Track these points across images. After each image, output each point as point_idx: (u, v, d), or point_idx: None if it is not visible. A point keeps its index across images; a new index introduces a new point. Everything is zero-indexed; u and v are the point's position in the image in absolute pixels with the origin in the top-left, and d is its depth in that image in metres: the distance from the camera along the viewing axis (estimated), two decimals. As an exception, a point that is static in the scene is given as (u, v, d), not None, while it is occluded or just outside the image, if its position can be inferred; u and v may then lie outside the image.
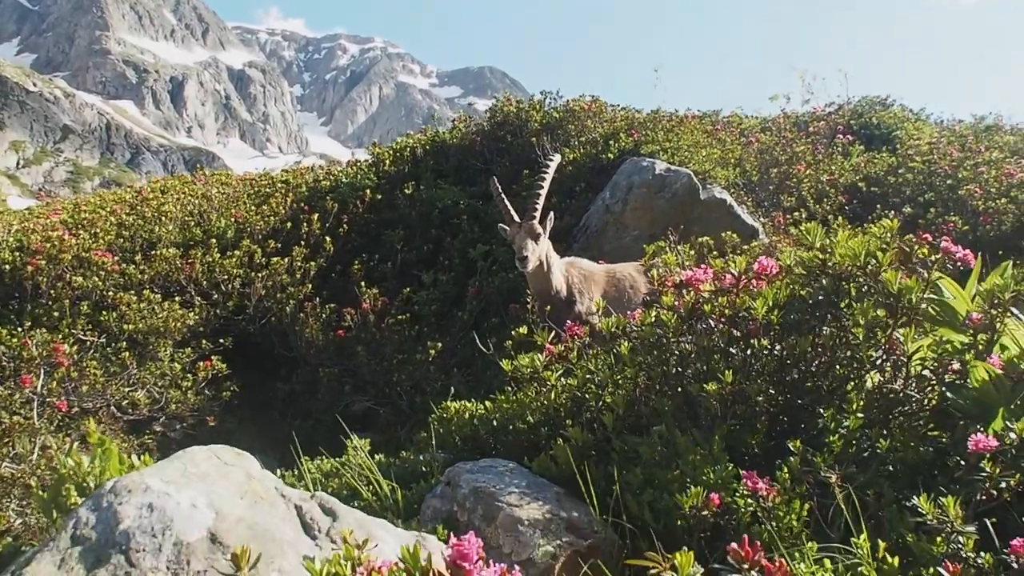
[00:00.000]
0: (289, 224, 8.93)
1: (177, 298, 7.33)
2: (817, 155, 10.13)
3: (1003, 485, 2.39)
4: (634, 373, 2.84)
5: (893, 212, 8.11)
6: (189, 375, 6.66)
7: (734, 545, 1.56)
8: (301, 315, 7.60)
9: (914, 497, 2.33)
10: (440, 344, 7.25)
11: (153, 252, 7.82)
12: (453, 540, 1.34)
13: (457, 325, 7.89)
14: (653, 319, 2.86)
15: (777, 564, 1.51)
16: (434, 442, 3.32)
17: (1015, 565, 2.11)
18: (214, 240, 8.21)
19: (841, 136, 11.10)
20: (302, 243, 8.47)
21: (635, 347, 2.95)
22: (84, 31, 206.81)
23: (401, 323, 7.51)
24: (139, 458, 2.22)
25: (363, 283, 8.00)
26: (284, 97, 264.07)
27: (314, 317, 7.57)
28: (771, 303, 2.67)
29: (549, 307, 5.73)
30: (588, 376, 2.97)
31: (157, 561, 1.55)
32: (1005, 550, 2.15)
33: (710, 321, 2.80)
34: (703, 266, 2.99)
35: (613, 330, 3.01)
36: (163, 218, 8.67)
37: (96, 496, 1.66)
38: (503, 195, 5.82)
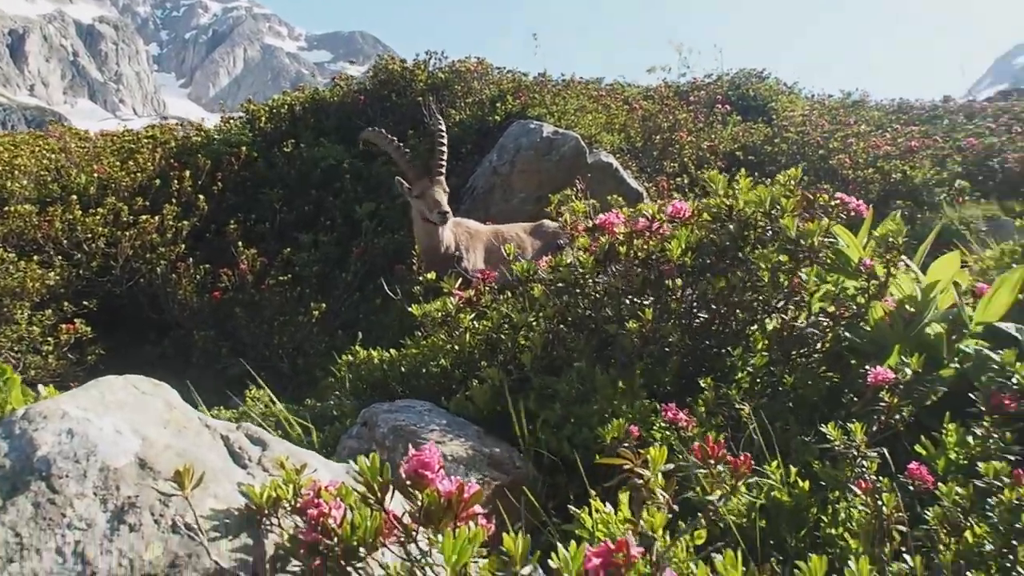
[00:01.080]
0: (158, 181, 8.40)
1: (35, 257, 6.78)
2: (698, 123, 10.47)
3: (897, 417, 2.53)
4: (550, 314, 2.83)
5: (769, 180, 8.49)
6: (50, 339, 6.20)
7: (699, 444, 1.57)
8: (173, 276, 7.21)
9: (820, 426, 2.44)
10: (324, 305, 7.06)
11: (6, 209, 7.19)
12: (412, 451, 1.28)
13: (340, 287, 7.70)
14: (568, 261, 2.86)
15: (743, 458, 1.53)
16: (347, 387, 3.20)
17: (911, 487, 2.24)
18: (75, 197, 7.63)
19: (720, 106, 11.48)
20: (173, 201, 7.99)
21: (548, 289, 2.95)
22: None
23: (282, 284, 7.25)
24: (43, 388, 2.02)
25: (240, 243, 7.67)
26: (139, 56, 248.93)
27: (187, 278, 7.21)
28: (684, 246, 2.72)
29: (437, 264, 5.74)
30: (503, 319, 2.93)
31: (82, 487, 1.41)
32: (900, 475, 2.29)
33: (624, 263, 2.82)
34: (614, 211, 3.00)
35: (525, 274, 2.98)
36: (15, 172, 7.96)
37: (7, 423, 1.50)
38: (402, 147, 5.73)
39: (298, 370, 6.71)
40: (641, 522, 1.34)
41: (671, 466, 1.47)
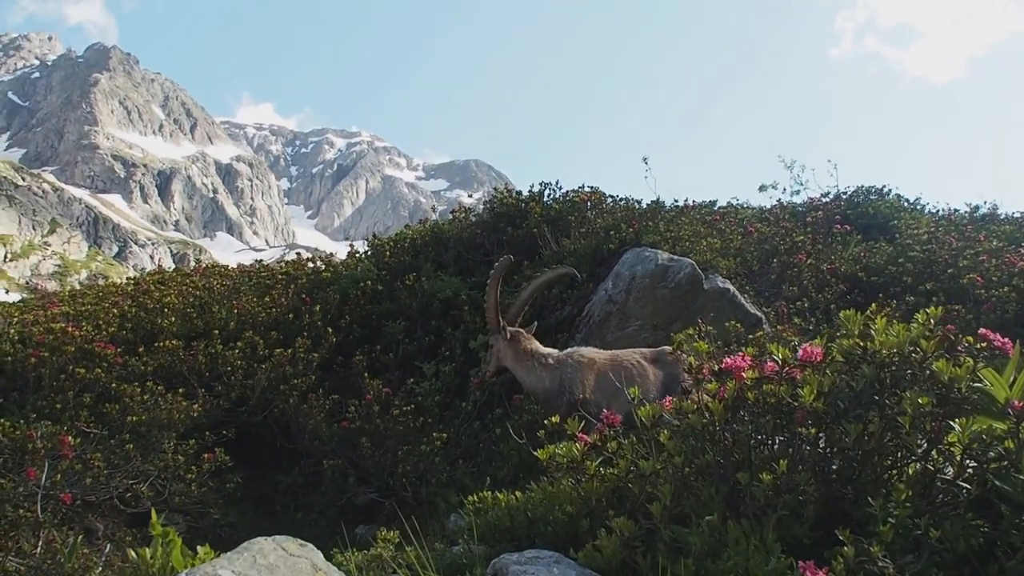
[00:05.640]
0: (291, 315, 8.93)
1: (180, 389, 7.25)
2: (816, 244, 10.31)
3: (1060, 576, 2.37)
4: (681, 462, 2.82)
5: (895, 301, 8.23)
6: (193, 467, 6.53)
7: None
8: (304, 406, 7.52)
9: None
10: (445, 435, 7.19)
11: (155, 343, 7.77)
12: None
13: (460, 416, 7.83)
14: (695, 407, 2.86)
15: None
16: (474, 532, 3.23)
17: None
18: (216, 331, 8.19)
19: (838, 226, 11.30)
20: (304, 334, 8.45)
21: (674, 435, 2.94)
22: (73, 126, 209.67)
23: (405, 414, 7.43)
24: (200, 549, 2.17)
25: (366, 374, 7.98)
26: (271, 190, 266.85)
27: (318, 408, 7.50)
28: (816, 391, 2.68)
29: (542, 398, 6.04)
30: (632, 467, 2.93)
31: (239, 656, 1.50)
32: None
33: (753, 409, 2.80)
34: (741, 353, 3.01)
35: (651, 419, 3.00)
36: (165, 309, 8.65)
37: (172, 589, 1.63)
38: (488, 302, 6.27)
39: (420, 499, 6.79)
40: None
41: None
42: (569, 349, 6.29)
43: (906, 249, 9.90)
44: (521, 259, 9.69)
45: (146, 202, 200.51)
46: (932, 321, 2.79)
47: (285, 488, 7.37)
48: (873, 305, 3.26)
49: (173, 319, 8.49)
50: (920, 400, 2.68)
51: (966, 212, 13.15)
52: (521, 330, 6.32)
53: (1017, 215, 12.72)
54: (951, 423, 2.60)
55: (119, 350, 7.54)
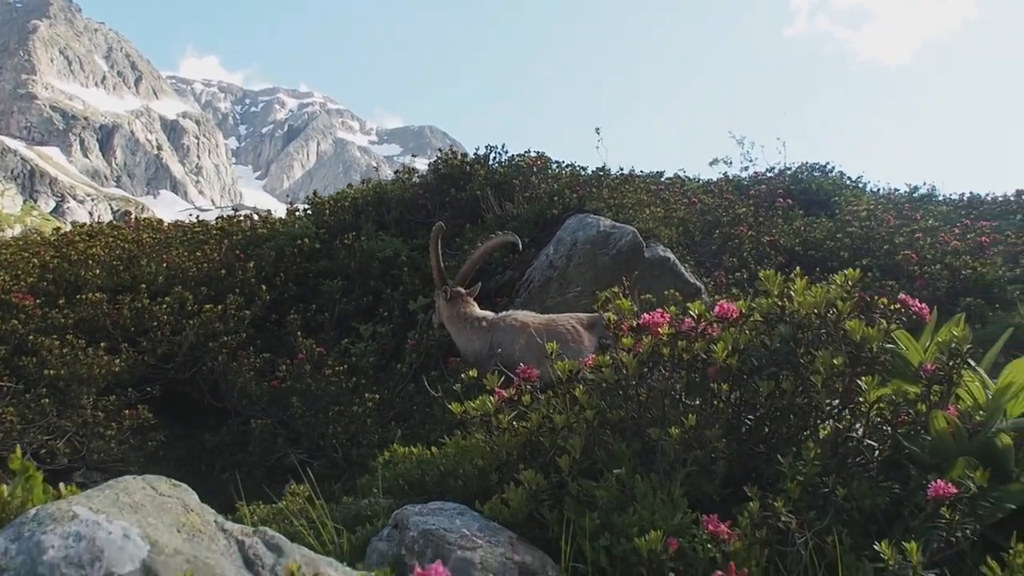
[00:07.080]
0: (224, 271, 8.67)
1: (103, 344, 6.99)
2: (759, 217, 10.41)
3: (959, 534, 2.39)
4: (592, 416, 2.77)
5: (831, 275, 8.36)
6: (113, 424, 6.32)
7: (720, 572, 1.49)
8: (234, 364, 7.31)
9: (873, 544, 2.32)
10: (378, 396, 7.08)
11: (78, 296, 7.47)
12: (417, 568, 1.24)
13: (395, 378, 7.71)
14: (611, 362, 2.81)
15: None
16: (381, 486, 3.16)
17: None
18: (144, 285, 7.92)
19: (781, 200, 11.42)
20: (237, 291, 8.21)
21: (591, 390, 2.89)
22: (9, 74, 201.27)
23: (338, 374, 7.28)
24: (66, 487, 2.03)
25: (300, 333, 7.80)
26: (219, 149, 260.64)
27: (247, 366, 7.31)
28: (731, 348, 2.65)
29: (472, 360, 6.04)
30: (545, 420, 2.87)
31: (85, 594, 1.40)
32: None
33: (668, 365, 2.76)
34: (659, 310, 2.96)
35: (568, 374, 2.94)
36: (90, 262, 8.32)
37: (17, 524, 1.50)
38: (431, 263, 6.47)
39: (351, 460, 6.69)
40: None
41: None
42: (503, 313, 6.24)
43: (845, 225, 10.08)
44: (464, 222, 9.56)
45: (86, 156, 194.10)
46: (850, 283, 2.77)
47: (212, 447, 7.18)
48: (798, 268, 3.24)
49: (98, 271, 8.17)
50: (834, 360, 2.67)
51: (906, 192, 13.44)
52: (462, 291, 6.26)
53: (955, 196, 13.03)
54: (859, 383, 2.59)
55: (38, 301, 7.24)
